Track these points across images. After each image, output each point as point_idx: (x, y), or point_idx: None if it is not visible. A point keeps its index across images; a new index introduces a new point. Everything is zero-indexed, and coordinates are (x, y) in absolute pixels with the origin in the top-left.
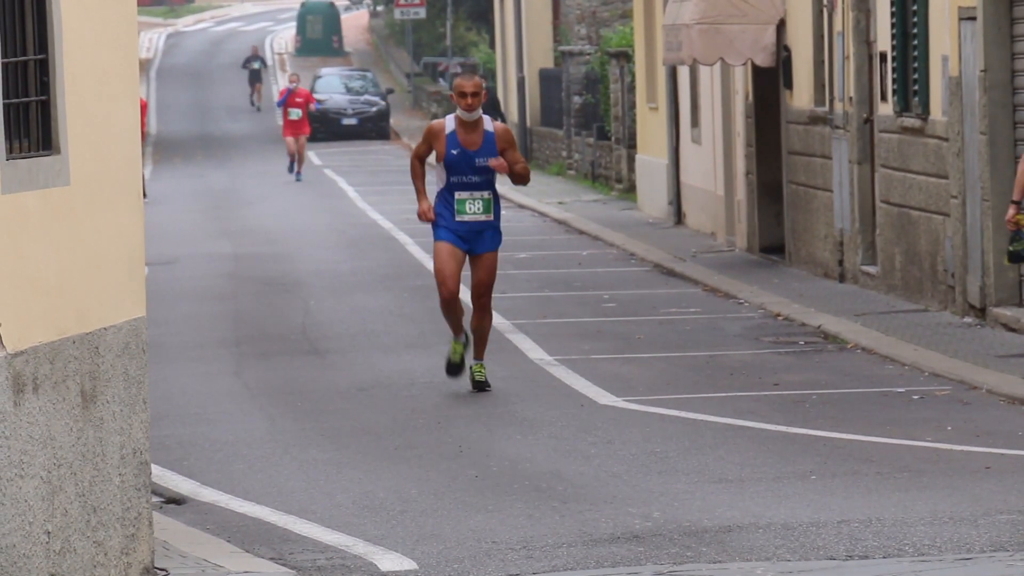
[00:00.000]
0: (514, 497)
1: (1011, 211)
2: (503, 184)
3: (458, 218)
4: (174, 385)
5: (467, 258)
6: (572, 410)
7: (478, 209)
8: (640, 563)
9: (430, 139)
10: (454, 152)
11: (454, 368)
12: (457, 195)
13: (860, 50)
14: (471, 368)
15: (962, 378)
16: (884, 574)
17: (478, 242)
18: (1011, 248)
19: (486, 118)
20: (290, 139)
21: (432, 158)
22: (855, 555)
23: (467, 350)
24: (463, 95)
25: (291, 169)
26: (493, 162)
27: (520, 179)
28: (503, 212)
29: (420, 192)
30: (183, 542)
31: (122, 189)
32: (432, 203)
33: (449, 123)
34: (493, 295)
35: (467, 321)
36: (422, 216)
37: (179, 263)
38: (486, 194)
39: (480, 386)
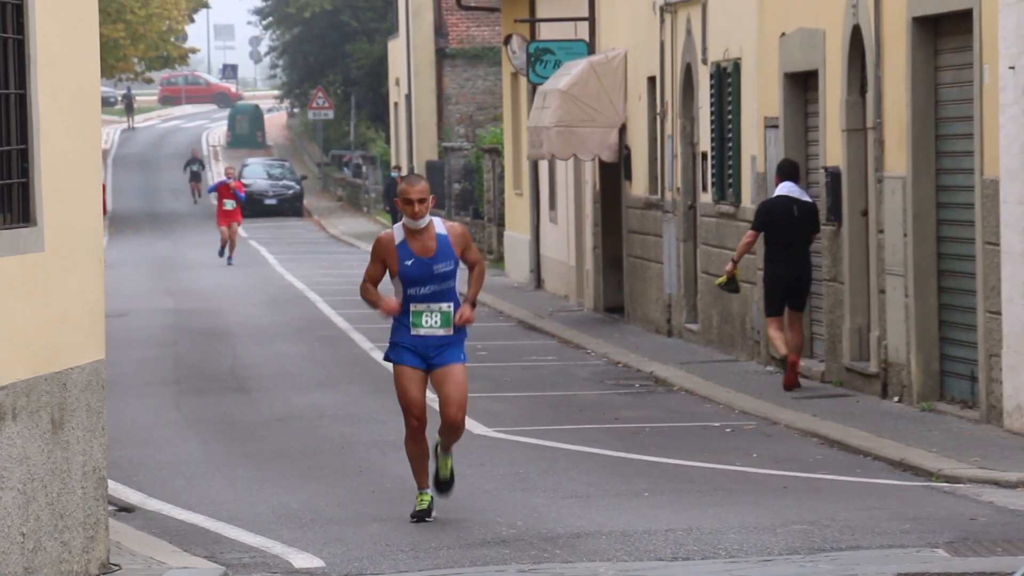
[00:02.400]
0: (404, 509)
1: (729, 266)
2: None
3: (413, 332)
4: (126, 415)
5: (429, 377)
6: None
7: (435, 323)
8: (506, 563)
9: (380, 254)
10: (408, 263)
11: (423, 515)
12: (412, 307)
13: (686, 150)
14: (436, 462)
15: (765, 415)
16: (702, 572)
17: (439, 355)
18: (719, 283)
19: (436, 220)
20: (223, 228)
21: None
22: (679, 557)
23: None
24: (409, 202)
25: (221, 254)
26: (461, 319)
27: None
28: None
29: (377, 299)
30: (133, 543)
31: (87, 255)
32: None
33: (397, 233)
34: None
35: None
36: (391, 310)
37: (130, 315)
38: (444, 306)
39: (445, 486)
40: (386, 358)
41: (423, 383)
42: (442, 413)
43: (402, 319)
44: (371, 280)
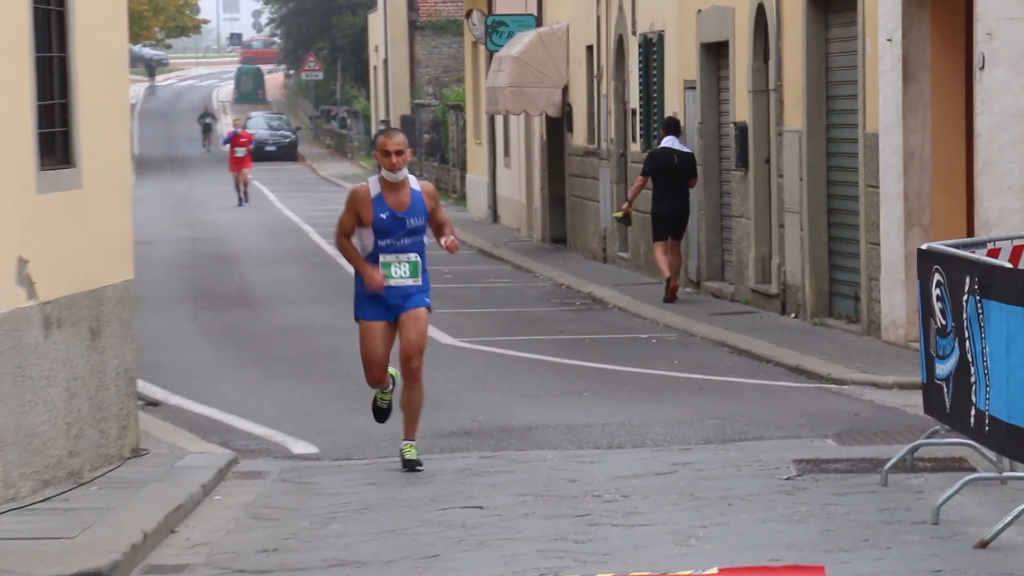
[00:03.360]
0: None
1: (626, 205)
2: None
3: (384, 282)
4: (152, 326)
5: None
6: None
7: (405, 272)
8: (470, 450)
9: (355, 206)
10: (383, 216)
11: (382, 413)
12: (382, 258)
13: (618, 107)
14: (401, 448)
15: (684, 328)
16: (633, 459)
17: (406, 302)
18: (615, 216)
19: (411, 178)
20: (234, 173)
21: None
22: (613, 446)
23: (394, 392)
24: (387, 153)
25: (238, 195)
26: (448, 243)
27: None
28: None
29: (362, 264)
30: (158, 432)
31: (118, 192)
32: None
33: (373, 186)
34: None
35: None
36: (376, 285)
37: (154, 243)
38: (413, 257)
39: (411, 465)
40: (356, 318)
41: (390, 340)
42: (401, 361)
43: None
44: (345, 232)
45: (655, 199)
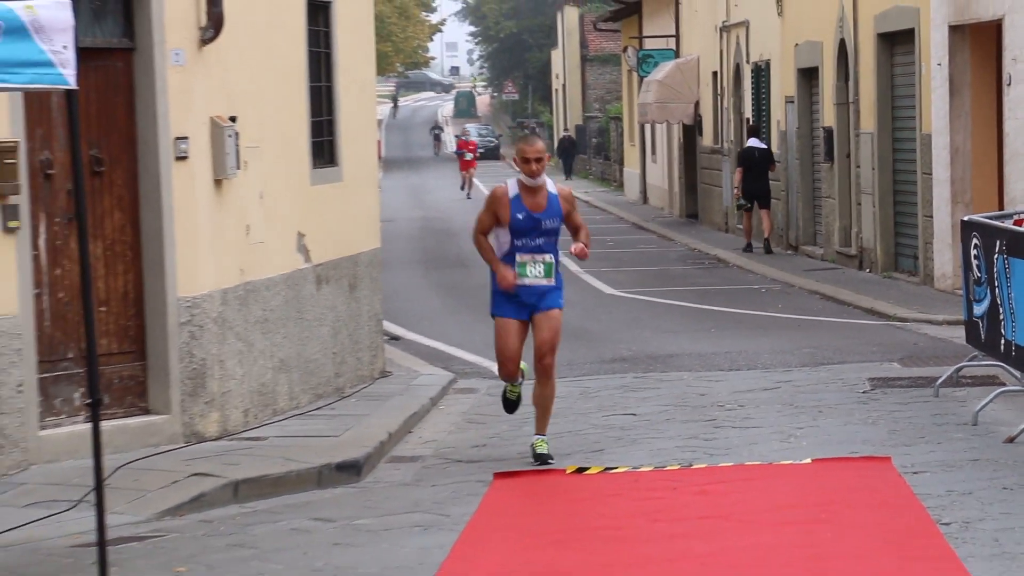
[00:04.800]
0: (563, 340)
1: (736, 192)
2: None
3: (518, 281)
4: (393, 282)
5: (530, 322)
6: (592, 296)
7: (539, 272)
8: (626, 372)
9: (494, 206)
10: (519, 216)
11: (511, 404)
12: (518, 257)
13: (736, 117)
14: (533, 443)
15: (786, 281)
16: (747, 378)
17: (540, 301)
18: (736, 204)
19: (548, 181)
20: (463, 172)
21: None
22: (733, 368)
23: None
24: (526, 160)
25: (463, 189)
26: (576, 250)
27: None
28: None
29: (496, 262)
30: (399, 359)
31: (368, 184)
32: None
33: (512, 188)
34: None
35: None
36: (507, 284)
37: (395, 221)
38: (548, 257)
39: (542, 459)
40: (492, 315)
41: (523, 336)
42: (535, 358)
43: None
44: (482, 230)
45: (745, 182)
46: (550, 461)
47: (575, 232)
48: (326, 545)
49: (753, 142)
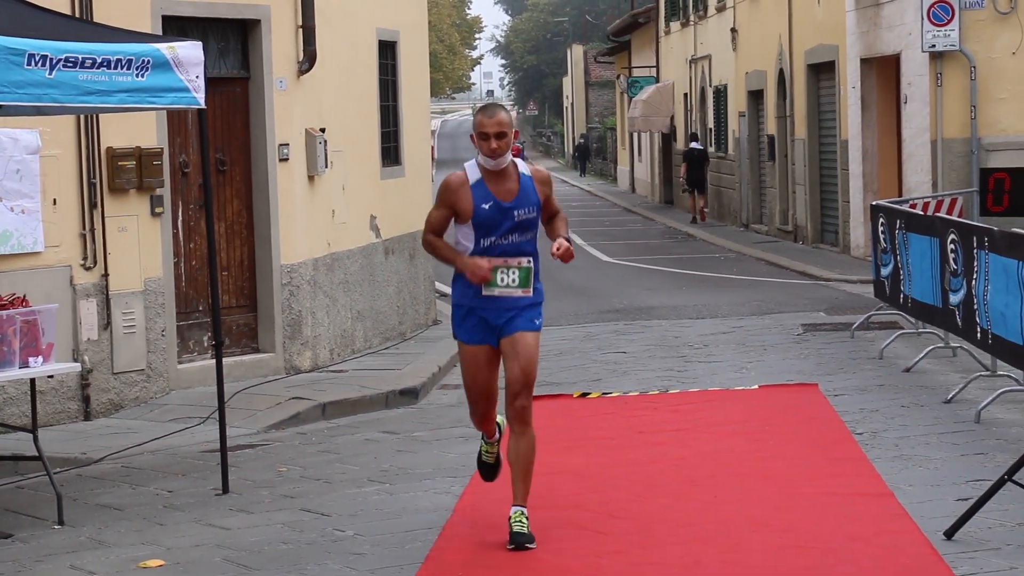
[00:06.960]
0: (570, 297)
1: (682, 180)
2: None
3: (485, 291)
4: None
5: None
6: (592, 263)
7: (513, 281)
8: (618, 320)
9: (449, 199)
10: (485, 207)
11: (489, 469)
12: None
13: (702, 127)
14: (510, 516)
15: (739, 251)
16: (710, 324)
17: (510, 322)
18: (683, 190)
19: (518, 161)
20: None
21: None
22: (699, 317)
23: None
24: (484, 136)
25: None
26: (560, 251)
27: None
28: None
29: (457, 256)
30: (447, 310)
31: (423, 179)
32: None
33: (472, 172)
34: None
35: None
36: (480, 277)
37: None
38: (524, 261)
39: (518, 542)
40: (455, 338)
41: (495, 365)
42: (507, 399)
43: (467, 283)
44: (434, 230)
45: (688, 173)
46: (528, 546)
47: (550, 220)
48: (391, 451)
49: (694, 144)
